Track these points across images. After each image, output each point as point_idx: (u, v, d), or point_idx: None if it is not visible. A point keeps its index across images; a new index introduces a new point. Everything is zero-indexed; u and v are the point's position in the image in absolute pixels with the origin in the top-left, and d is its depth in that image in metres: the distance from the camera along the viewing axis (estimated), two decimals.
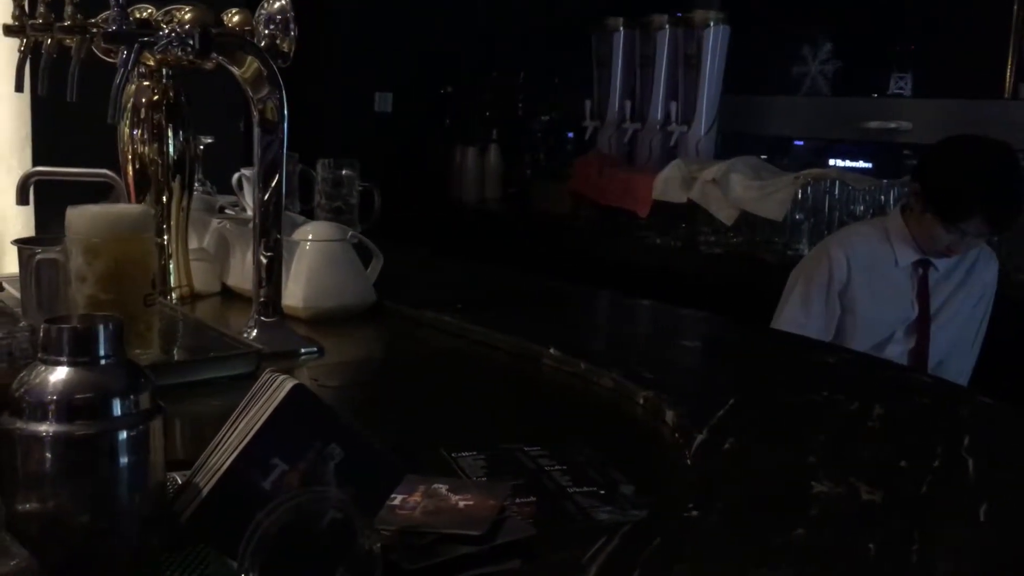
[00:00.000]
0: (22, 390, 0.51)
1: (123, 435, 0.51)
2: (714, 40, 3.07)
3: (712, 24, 3.06)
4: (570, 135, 3.62)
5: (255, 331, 1.18)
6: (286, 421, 0.55)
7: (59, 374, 0.51)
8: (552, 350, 1.17)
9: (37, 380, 0.51)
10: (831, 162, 3.03)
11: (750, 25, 3.12)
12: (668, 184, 2.88)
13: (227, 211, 2.00)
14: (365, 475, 0.58)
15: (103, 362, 0.52)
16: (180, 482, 0.62)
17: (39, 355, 0.52)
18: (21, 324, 0.62)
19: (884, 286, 1.98)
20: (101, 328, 0.52)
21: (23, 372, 0.52)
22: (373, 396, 1.07)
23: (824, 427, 0.94)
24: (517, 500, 0.75)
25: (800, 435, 0.92)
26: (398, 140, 3.67)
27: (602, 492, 0.79)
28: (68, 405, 0.50)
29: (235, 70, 1.15)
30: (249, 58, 1.14)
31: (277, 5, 1.19)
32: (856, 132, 2.93)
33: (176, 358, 1.09)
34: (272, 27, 1.20)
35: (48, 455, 0.50)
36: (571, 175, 3.33)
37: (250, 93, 1.16)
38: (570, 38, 3.67)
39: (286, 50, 1.21)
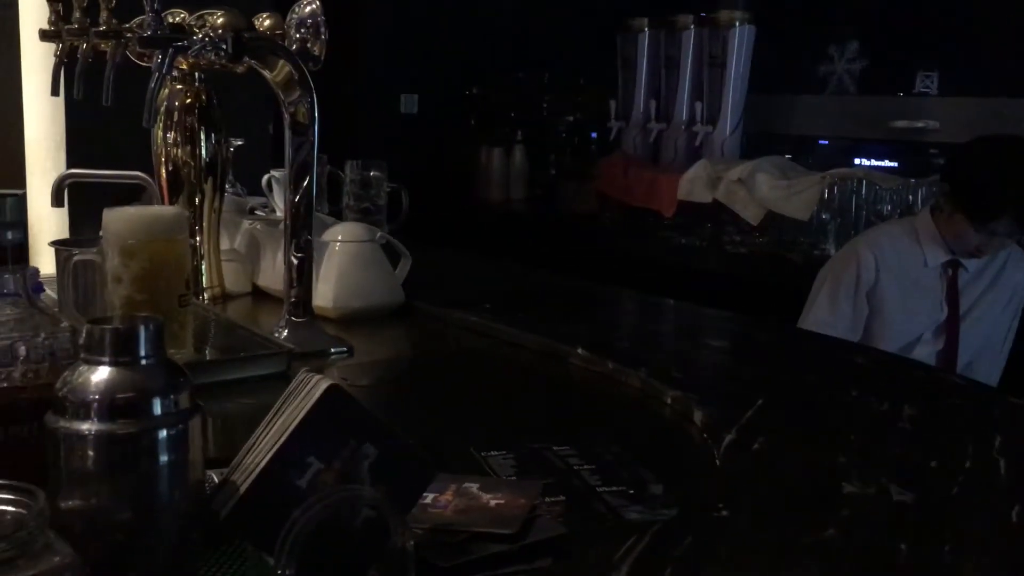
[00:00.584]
0: (65, 389, 0.52)
1: (163, 433, 0.52)
2: (739, 40, 3.06)
3: (737, 24, 3.05)
4: (594, 135, 3.62)
5: (286, 331, 1.20)
6: (321, 421, 0.56)
7: (101, 374, 0.52)
8: (580, 350, 1.18)
9: (80, 380, 0.52)
10: (857, 162, 3.01)
11: (776, 24, 3.11)
12: (694, 184, 2.87)
13: (257, 212, 2.03)
14: (398, 474, 0.59)
15: (144, 362, 0.53)
16: (216, 480, 0.64)
17: (81, 355, 0.53)
18: (63, 324, 0.63)
19: (913, 287, 1.97)
20: (142, 329, 0.53)
21: (66, 372, 0.53)
22: (402, 395, 1.08)
23: (854, 427, 0.94)
24: (547, 499, 0.75)
25: (830, 435, 0.91)
26: (424, 141, 3.70)
27: (631, 491, 0.79)
28: (110, 404, 0.52)
29: (267, 74, 1.17)
30: (280, 62, 1.16)
31: (308, 9, 1.20)
32: (883, 131, 2.91)
33: (208, 357, 1.11)
34: (303, 31, 1.21)
35: (91, 453, 0.51)
36: (596, 175, 3.34)
37: (281, 96, 1.17)
38: (595, 39, 3.68)
39: (317, 53, 1.22)
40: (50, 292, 1.30)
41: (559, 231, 3.28)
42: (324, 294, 1.35)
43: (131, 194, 2.02)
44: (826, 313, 1.96)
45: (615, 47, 3.52)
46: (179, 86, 1.43)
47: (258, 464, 0.56)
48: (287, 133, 1.19)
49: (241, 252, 1.57)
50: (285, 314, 1.21)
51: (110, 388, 0.52)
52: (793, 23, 3.17)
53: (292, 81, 1.17)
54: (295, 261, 1.20)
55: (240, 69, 1.40)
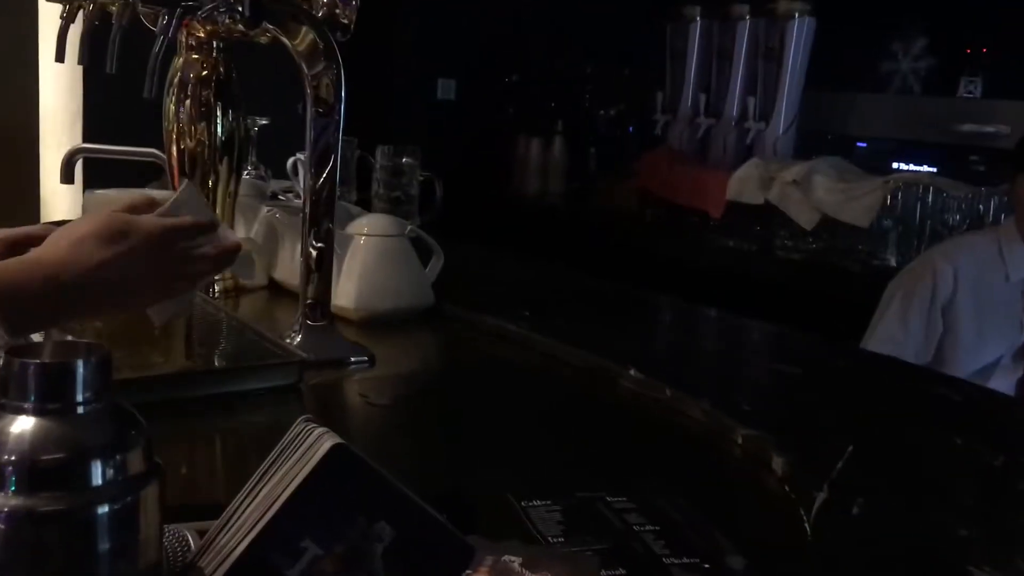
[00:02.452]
0: None
1: (105, 509, 0.38)
2: (798, 32, 2.88)
3: (797, 16, 2.87)
4: (637, 129, 3.45)
5: (299, 336, 1.06)
6: (321, 491, 0.42)
7: (21, 425, 0.38)
8: (632, 371, 1.03)
9: None
10: (919, 167, 2.82)
11: (837, 17, 2.92)
12: (744, 184, 2.70)
13: (279, 197, 1.89)
14: (422, 561, 0.44)
15: (81, 409, 0.39)
16: (192, 542, 0.50)
17: None
18: None
19: (991, 304, 1.80)
20: (80, 364, 0.39)
21: None
22: (427, 420, 0.94)
23: (968, 487, 0.78)
24: (604, 573, 0.61)
25: (942, 496, 0.76)
26: (459, 129, 3.54)
27: (706, 565, 0.64)
28: (31, 469, 0.37)
29: (288, 42, 1.03)
30: (304, 29, 1.01)
31: None
32: (949, 135, 2.72)
33: (206, 366, 0.97)
34: None
35: (2, 539, 0.37)
36: (639, 171, 3.17)
37: (304, 68, 1.03)
38: (641, 27, 3.51)
39: (346, 22, 1.08)
40: None
41: (597, 228, 3.12)
42: (346, 293, 1.21)
43: (152, 175, 1.90)
44: (896, 329, 1.80)
45: (662, 37, 3.35)
46: (195, 56, 1.30)
47: (236, 546, 0.42)
48: (308, 109, 1.05)
49: (258, 241, 1.43)
50: (299, 316, 1.07)
51: (32, 447, 0.38)
52: (856, 17, 2.98)
53: (316, 51, 1.03)
54: (313, 252, 1.06)
55: (263, 39, 1.27)
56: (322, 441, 0.44)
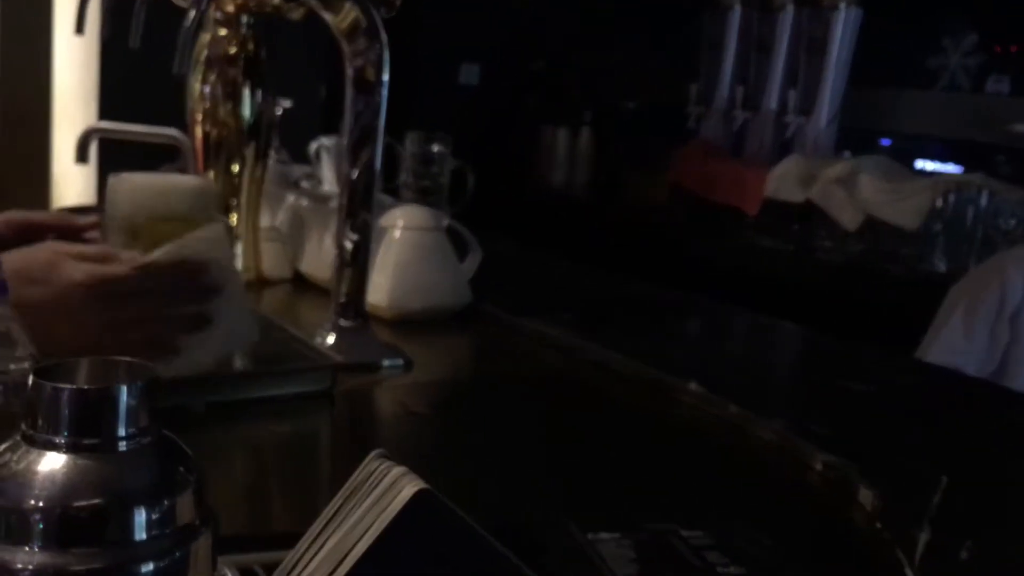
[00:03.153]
0: None
1: (149, 568, 0.31)
2: (844, 24, 2.78)
3: (843, 6, 2.77)
4: (670, 121, 3.36)
5: (332, 336, 0.98)
6: (405, 542, 0.34)
7: (51, 464, 0.31)
8: (692, 385, 0.94)
9: (15, 474, 0.31)
10: (966, 168, 2.72)
11: (885, 9, 2.81)
12: (784, 181, 2.61)
13: (303, 184, 1.81)
14: None
15: (124, 445, 0.31)
16: None
17: (22, 428, 0.32)
18: (19, 349, 0.42)
19: None
20: (123, 390, 0.31)
21: (1, 452, 0.32)
22: (472, 433, 0.86)
23: None
24: None
25: None
26: (483, 116, 3.46)
27: None
28: (62, 518, 0.30)
29: (329, 18, 0.94)
30: (347, 5, 0.93)
31: None
32: (1000, 136, 2.62)
33: (233, 368, 0.89)
34: None
35: None
36: (671, 164, 3.08)
37: (346, 47, 0.95)
38: (675, 15, 3.41)
39: None
40: None
41: (625, 223, 3.03)
42: (379, 289, 1.13)
43: (168, 155, 1.83)
44: (959, 339, 1.70)
45: (696, 25, 3.25)
46: (223, 32, 1.22)
47: None
48: (349, 92, 0.96)
49: (283, 231, 1.36)
50: (332, 315, 0.99)
51: (64, 491, 0.30)
52: (904, 9, 2.87)
53: (359, 29, 0.94)
54: (349, 245, 0.98)
55: (296, 15, 1.19)
56: (402, 484, 0.36)
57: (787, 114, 2.89)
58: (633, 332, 1.16)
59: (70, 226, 0.85)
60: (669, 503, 0.72)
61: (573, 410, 0.94)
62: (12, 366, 0.42)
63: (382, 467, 0.38)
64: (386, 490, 0.36)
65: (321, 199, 1.36)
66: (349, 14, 0.94)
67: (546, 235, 2.52)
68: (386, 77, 0.97)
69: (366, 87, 0.96)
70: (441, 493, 0.36)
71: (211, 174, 1.24)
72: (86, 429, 0.31)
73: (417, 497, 0.35)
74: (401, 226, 1.18)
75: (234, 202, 1.24)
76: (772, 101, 2.96)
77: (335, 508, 0.39)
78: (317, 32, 1.06)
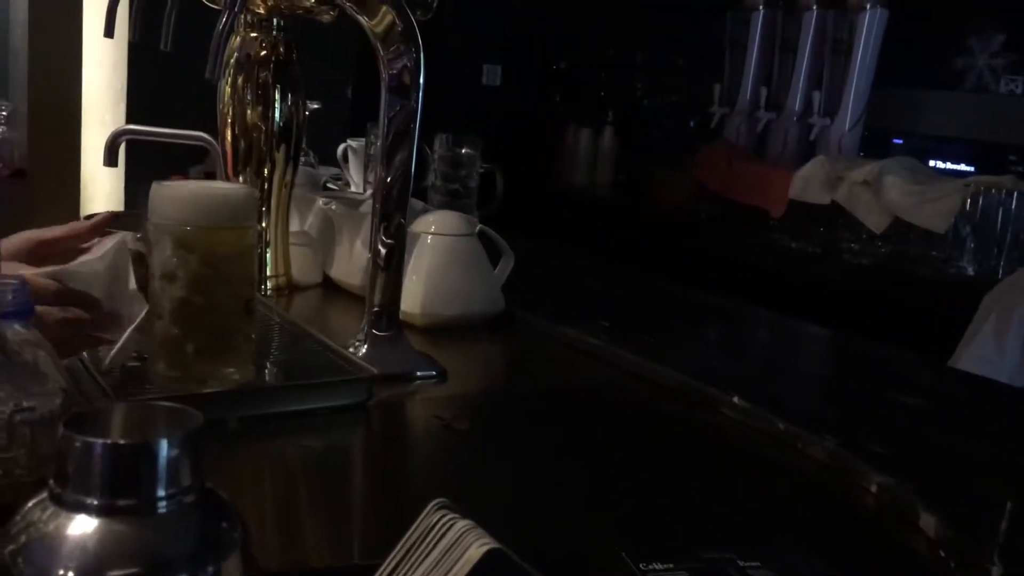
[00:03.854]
0: (18, 556, 0.28)
1: None
2: (869, 24, 2.74)
3: (868, 7, 2.73)
4: (693, 122, 3.32)
5: (365, 346, 0.96)
6: None
7: (82, 527, 0.28)
8: (736, 399, 0.92)
9: (44, 535, 0.28)
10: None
11: (910, 9, 2.77)
12: (809, 183, 2.57)
13: (330, 186, 1.80)
14: None
15: (164, 506, 0.28)
16: None
17: (51, 485, 0.29)
18: (49, 383, 0.39)
19: None
20: (164, 444, 0.28)
21: (20, 519, 0.29)
22: (512, 450, 0.83)
23: None
24: None
25: None
26: (506, 116, 3.43)
27: None
28: None
29: (364, 20, 0.92)
30: (383, 7, 0.91)
31: None
32: None
33: (267, 380, 0.87)
34: None
35: None
36: (694, 165, 3.04)
37: (380, 51, 0.92)
38: (698, 15, 3.37)
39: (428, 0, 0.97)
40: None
41: (648, 223, 3.00)
42: (411, 296, 1.10)
43: (196, 158, 1.81)
44: (990, 348, 1.67)
45: (720, 25, 3.21)
46: (253, 34, 1.20)
47: None
48: (384, 95, 0.94)
49: (312, 236, 1.34)
50: (365, 324, 0.97)
51: (98, 559, 0.27)
52: (930, 10, 2.82)
53: (395, 32, 0.92)
54: (383, 250, 0.96)
55: (327, 17, 1.17)
56: (469, 541, 0.33)
57: (811, 115, 2.85)
58: (672, 340, 1.14)
59: (77, 234, 0.84)
60: (721, 528, 0.70)
61: (614, 425, 0.91)
62: (37, 404, 0.39)
63: (444, 520, 0.36)
64: (450, 547, 0.34)
65: (351, 203, 1.34)
66: (385, 17, 0.92)
67: (569, 235, 2.49)
68: (422, 80, 0.95)
69: (402, 90, 0.94)
70: (507, 548, 0.34)
71: (241, 178, 1.22)
72: (121, 489, 0.28)
73: (487, 558, 0.33)
74: (433, 232, 1.16)
75: (264, 207, 1.22)
76: (796, 102, 2.92)
77: (393, 563, 0.37)
78: (343, 33, 1.04)
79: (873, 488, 0.76)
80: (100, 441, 0.28)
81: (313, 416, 0.84)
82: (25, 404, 0.38)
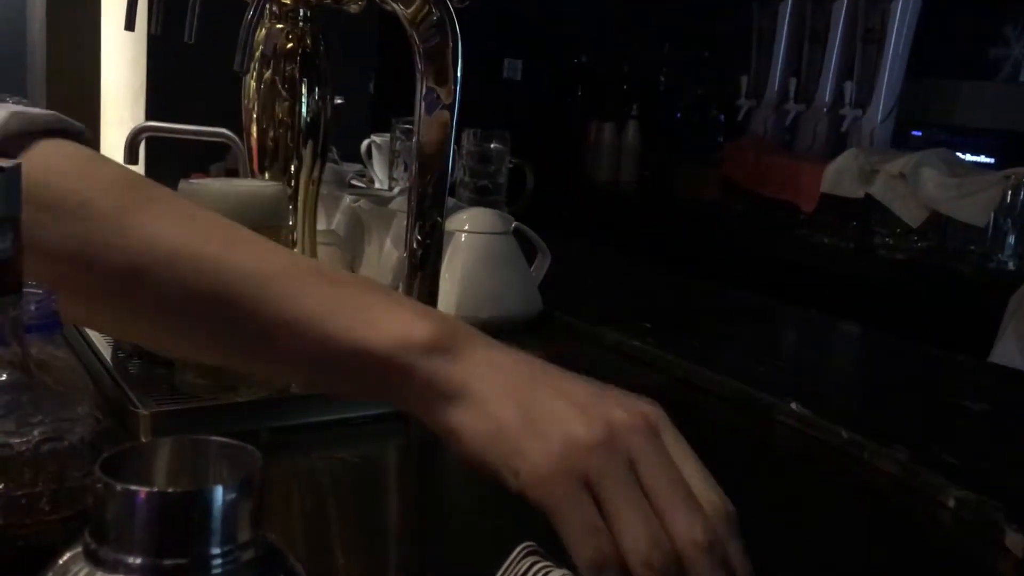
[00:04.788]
0: None
1: None
2: (902, 13, 2.66)
3: None
4: (720, 115, 3.26)
5: None
6: None
7: None
8: (794, 405, 0.87)
9: None
10: (975, 157, 2.60)
11: None
12: (842, 176, 2.51)
13: (354, 183, 1.75)
14: None
15: (219, 567, 0.24)
16: None
17: (86, 538, 0.24)
18: (81, 407, 0.35)
19: None
20: (218, 493, 0.24)
21: (59, 567, 0.25)
22: None
23: None
24: None
25: None
26: (528, 111, 3.38)
27: None
28: None
29: (400, 9, 0.88)
30: None
31: None
32: None
33: (293, 389, 0.83)
34: None
35: None
36: (721, 159, 2.98)
37: (416, 40, 0.88)
38: (724, 6, 3.30)
39: None
40: None
41: (676, 219, 2.94)
42: (446, 297, 1.06)
43: (216, 155, 1.77)
44: (1015, 350, 1.60)
45: (747, 16, 3.14)
46: (279, 26, 1.15)
47: None
48: (419, 87, 0.90)
49: (340, 235, 1.29)
50: None
51: None
52: None
53: (431, 21, 0.88)
54: (419, 249, 0.92)
55: (354, 7, 1.12)
56: None
57: (842, 107, 2.78)
58: (718, 342, 1.09)
59: None
60: (781, 551, 0.65)
61: None
62: (66, 431, 0.34)
63: (538, 568, 0.31)
64: None
65: (380, 200, 1.29)
66: (422, 7, 0.88)
67: (595, 231, 2.44)
68: (459, 72, 0.91)
69: (439, 82, 0.90)
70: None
71: (267, 175, 1.18)
72: (169, 547, 0.24)
73: None
74: (468, 230, 1.12)
75: (291, 205, 1.17)
76: (826, 94, 2.85)
77: None
78: (366, 25, 1.00)
79: (951, 503, 0.71)
80: (144, 490, 0.23)
81: (348, 425, 0.79)
82: (52, 433, 0.33)
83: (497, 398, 0.48)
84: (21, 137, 0.56)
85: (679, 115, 3.37)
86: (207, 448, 0.27)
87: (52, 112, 0.62)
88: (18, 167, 0.34)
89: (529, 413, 0.47)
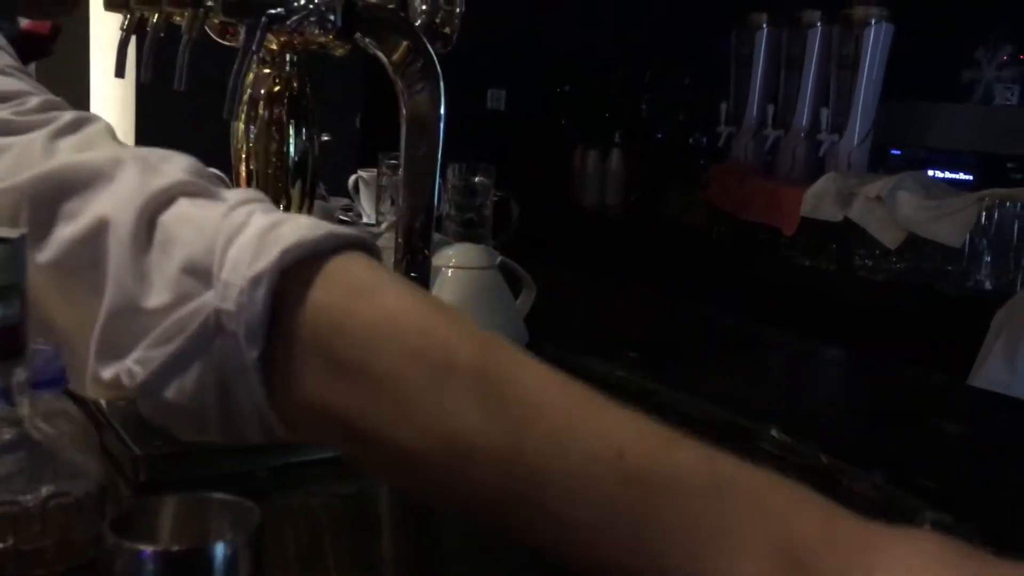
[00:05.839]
0: None
1: None
2: (875, 40, 2.73)
3: (874, 22, 2.72)
4: (703, 141, 3.31)
5: None
6: None
7: None
8: (774, 431, 0.89)
9: None
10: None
11: (916, 23, 2.76)
12: (821, 199, 2.55)
13: (342, 218, 1.78)
14: None
15: None
16: None
17: None
18: (85, 463, 0.37)
19: None
20: (220, 551, 0.26)
21: None
22: None
23: None
24: None
25: None
26: (511, 140, 3.42)
27: None
28: None
29: (382, 55, 0.91)
30: (403, 42, 0.89)
31: None
32: None
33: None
34: (431, 2, 0.95)
35: None
36: (704, 184, 3.03)
37: (400, 85, 0.91)
38: (703, 34, 3.37)
39: (448, 32, 0.96)
40: None
41: (661, 244, 2.98)
42: None
43: None
44: (1001, 370, 1.64)
45: (726, 44, 3.20)
46: (266, 70, 1.18)
47: None
48: (404, 129, 0.93)
49: None
50: None
51: None
52: (936, 22, 2.82)
53: (414, 66, 0.91)
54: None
55: (340, 51, 1.15)
56: None
57: (819, 132, 2.84)
58: (702, 369, 1.11)
59: None
60: None
61: None
62: (71, 488, 0.36)
63: None
64: None
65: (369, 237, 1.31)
66: (404, 52, 0.91)
67: (582, 258, 2.47)
68: (443, 113, 0.94)
69: (422, 125, 0.93)
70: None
71: None
72: None
73: None
74: (454, 265, 1.14)
75: None
76: (803, 119, 2.90)
77: None
78: (351, 62, 1.03)
79: (927, 526, 0.73)
80: (149, 549, 0.25)
81: (327, 465, 0.81)
82: (59, 489, 0.35)
83: None
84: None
85: (661, 141, 3.42)
86: (209, 505, 0.29)
87: (353, 231, 0.53)
88: (23, 237, 0.37)
89: None
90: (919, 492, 0.76)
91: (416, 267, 0.95)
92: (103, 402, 0.86)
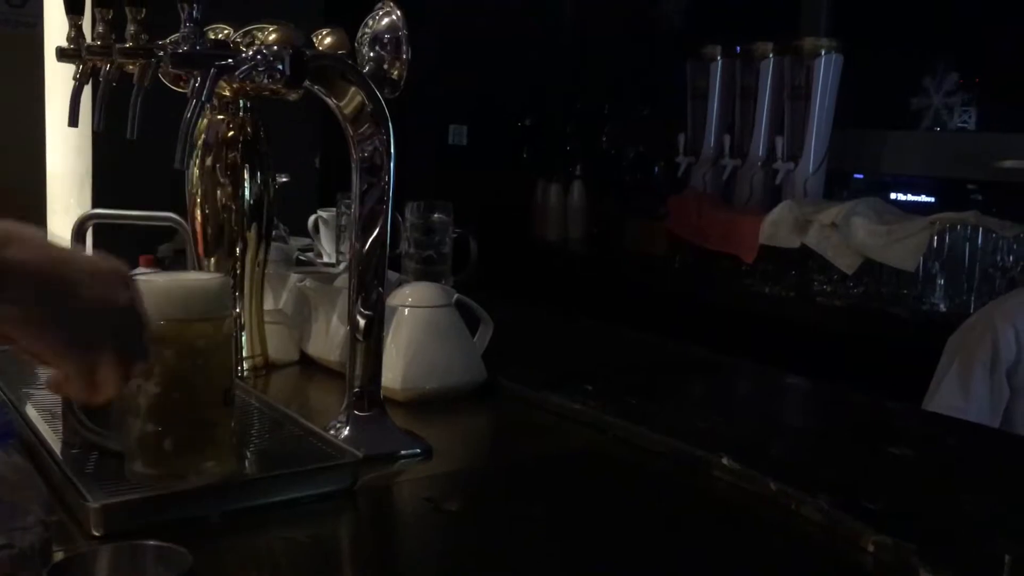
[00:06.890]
0: None
1: None
2: (825, 70, 2.79)
3: (823, 53, 2.79)
4: (662, 172, 3.35)
5: (347, 428, 0.94)
6: None
7: None
8: (725, 460, 0.91)
9: None
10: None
11: (864, 54, 2.84)
12: (778, 227, 2.60)
13: (301, 257, 1.79)
14: None
15: None
16: None
17: None
18: (29, 516, 0.38)
19: None
20: None
21: None
22: (503, 530, 0.82)
23: None
24: None
25: None
26: (473, 176, 3.45)
27: None
28: None
29: (332, 102, 0.93)
30: (352, 89, 0.91)
31: (387, 21, 0.96)
32: (987, 172, 2.62)
33: (248, 471, 0.85)
34: (379, 49, 0.97)
35: None
36: (664, 214, 3.07)
37: (350, 131, 0.93)
38: (660, 67, 3.43)
39: (395, 77, 0.98)
40: None
41: (623, 275, 3.01)
42: (391, 370, 1.09)
43: (165, 236, 1.79)
44: (956, 395, 1.66)
45: (683, 76, 3.26)
46: (220, 116, 1.20)
47: None
48: (355, 174, 0.94)
49: (287, 313, 1.32)
50: (346, 405, 0.95)
51: None
52: (884, 53, 2.90)
53: (364, 113, 0.93)
54: (362, 321, 0.95)
55: (293, 96, 1.17)
56: None
57: (775, 160, 2.89)
58: (657, 400, 1.13)
59: None
60: None
61: (604, 495, 0.90)
62: (16, 539, 0.37)
63: None
64: None
65: (326, 278, 1.33)
66: (354, 98, 0.93)
67: (546, 291, 2.49)
68: (392, 159, 0.95)
69: (373, 170, 0.94)
70: None
71: (213, 259, 1.21)
72: None
73: None
74: (410, 304, 1.15)
75: (237, 288, 1.20)
76: (759, 148, 2.96)
77: None
78: (308, 103, 1.04)
79: (870, 548, 0.75)
80: None
81: (298, 505, 0.82)
82: (4, 541, 0.36)
83: None
84: None
85: (622, 173, 3.46)
86: (144, 552, 0.30)
87: None
88: None
89: None
90: (862, 515, 0.78)
91: (370, 306, 0.96)
92: (58, 452, 0.86)
